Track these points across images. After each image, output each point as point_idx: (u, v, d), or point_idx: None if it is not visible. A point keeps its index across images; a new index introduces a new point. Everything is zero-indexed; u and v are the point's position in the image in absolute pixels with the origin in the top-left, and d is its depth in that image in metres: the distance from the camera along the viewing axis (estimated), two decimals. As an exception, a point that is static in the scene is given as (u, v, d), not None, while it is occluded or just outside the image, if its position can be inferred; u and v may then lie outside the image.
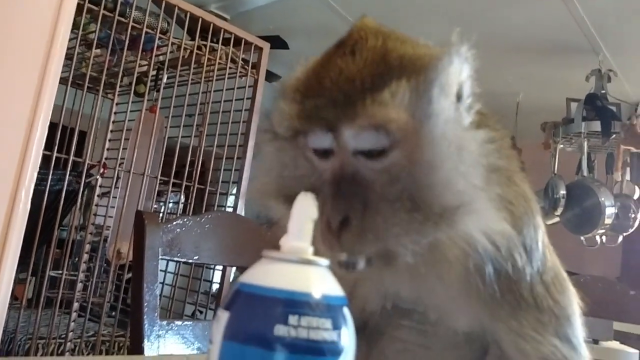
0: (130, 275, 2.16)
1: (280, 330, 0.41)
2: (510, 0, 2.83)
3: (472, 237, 0.54)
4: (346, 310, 0.45)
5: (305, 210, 0.48)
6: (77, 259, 2.38)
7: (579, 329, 0.62)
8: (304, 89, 0.56)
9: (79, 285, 2.21)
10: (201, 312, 2.61)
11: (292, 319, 0.41)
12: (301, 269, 0.46)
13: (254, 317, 0.42)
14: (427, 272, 0.57)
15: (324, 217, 0.51)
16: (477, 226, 0.54)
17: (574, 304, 0.63)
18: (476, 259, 0.56)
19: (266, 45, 2.38)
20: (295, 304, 0.42)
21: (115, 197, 2.19)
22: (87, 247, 2.25)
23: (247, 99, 2.32)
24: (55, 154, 1.78)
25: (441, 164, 0.52)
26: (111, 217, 2.24)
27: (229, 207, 2.36)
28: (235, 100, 2.28)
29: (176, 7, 1.99)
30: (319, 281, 0.45)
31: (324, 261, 0.47)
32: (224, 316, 0.44)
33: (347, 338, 0.44)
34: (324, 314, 0.43)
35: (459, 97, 0.56)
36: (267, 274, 0.45)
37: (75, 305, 2.16)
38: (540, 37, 3.09)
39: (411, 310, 0.63)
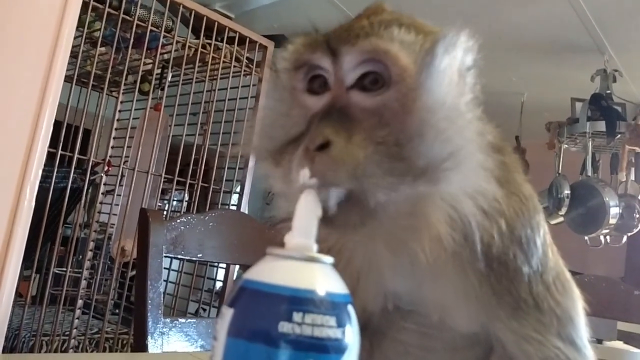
0: (134, 272, 2.17)
1: (284, 327, 0.41)
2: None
3: (456, 200, 0.52)
4: (350, 308, 0.45)
5: (309, 207, 0.48)
6: (81, 257, 2.38)
7: (582, 330, 0.61)
8: (311, 36, 0.56)
9: (83, 283, 2.21)
10: (205, 310, 2.62)
11: (297, 316, 0.41)
12: (306, 266, 0.46)
13: (259, 314, 0.42)
14: (425, 267, 0.55)
15: (304, 144, 0.50)
16: (462, 186, 0.52)
17: (578, 305, 0.61)
18: (464, 230, 0.54)
19: (270, 44, 2.38)
20: (299, 301, 0.42)
21: (120, 195, 2.19)
22: (92, 244, 2.26)
23: (252, 97, 2.32)
24: (60, 152, 1.79)
25: (434, 117, 0.51)
26: (115, 214, 2.25)
27: (232, 205, 2.37)
28: (240, 98, 2.29)
29: (181, 6, 2.00)
30: (324, 278, 0.45)
31: (329, 259, 0.47)
32: (228, 313, 0.44)
33: (351, 335, 0.43)
34: (329, 311, 0.43)
35: (460, 79, 0.56)
36: (272, 271, 0.45)
37: (80, 302, 2.17)
38: (545, 36, 3.08)
39: (412, 312, 0.62)
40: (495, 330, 0.58)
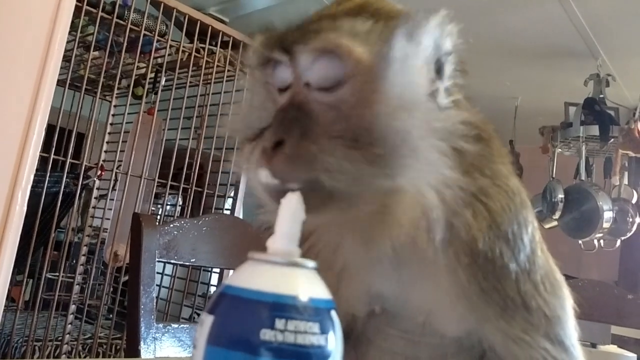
0: (127, 277, 2.16)
1: (266, 334, 0.40)
2: (508, 4, 2.84)
3: (421, 193, 0.52)
4: (334, 314, 0.45)
5: (292, 211, 0.47)
6: (74, 261, 2.37)
7: (571, 329, 0.59)
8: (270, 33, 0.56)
9: (76, 288, 2.21)
10: (198, 315, 2.60)
11: (279, 323, 0.41)
12: (288, 271, 0.45)
13: (239, 320, 0.42)
14: (409, 266, 0.56)
15: (262, 142, 0.51)
16: (424, 177, 0.52)
17: (566, 304, 0.60)
18: (434, 226, 0.53)
19: (265, 48, 2.37)
20: (281, 307, 0.42)
21: (113, 200, 2.18)
22: (84, 249, 2.25)
23: (245, 101, 2.32)
24: (52, 156, 1.78)
25: (390, 108, 0.50)
26: (108, 219, 2.24)
27: (226, 209, 2.36)
28: (234, 102, 2.28)
29: (174, 10, 1.99)
30: (306, 284, 0.45)
31: (311, 263, 0.46)
32: (207, 320, 0.43)
33: (334, 342, 0.43)
34: (312, 317, 0.42)
35: (438, 71, 0.55)
36: (253, 276, 0.45)
37: (72, 307, 2.16)
38: (539, 41, 3.09)
39: (398, 316, 0.61)
40: (484, 331, 0.57)
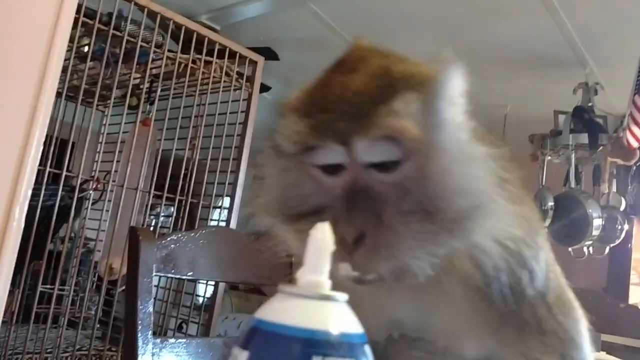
0: (120, 289, 2.14)
1: (304, 371, 0.40)
2: (498, 13, 2.86)
3: (483, 247, 0.55)
4: (367, 348, 0.45)
5: (321, 242, 0.47)
6: (71, 273, 2.34)
7: (585, 350, 0.62)
8: (309, 105, 0.56)
9: (67, 300, 2.18)
10: (186, 325, 2.58)
11: (316, 360, 0.41)
12: (320, 305, 0.45)
13: (276, 357, 0.42)
14: (431, 294, 0.57)
15: (338, 234, 0.50)
16: (489, 231, 0.54)
17: (580, 325, 0.63)
18: (485, 273, 0.56)
19: (261, 59, 2.38)
20: (317, 343, 0.42)
21: (107, 211, 2.16)
22: (76, 261, 2.23)
23: (242, 112, 2.31)
24: (49, 169, 1.76)
25: (452, 171, 0.53)
26: (103, 230, 2.22)
27: (221, 221, 2.35)
28: (230, 113, 2.28)
29: (171, 21, 1.98)
30: (340, 318, 0.45)
31: (343, 296, 0.46)
32: (242, 355, 0.43)
33: (369, 377, 0.44)
34: (347, 353, 0.42)
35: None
36: (286, 311, 0.45)
37: (63, 320, 2.13)
38: (528, 50, 3.12)
39: (418, 339, 0.62)
40: (503, 354, 0.59)
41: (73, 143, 2.06)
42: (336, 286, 0.46)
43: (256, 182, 0.64)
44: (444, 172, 0.53)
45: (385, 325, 0.63)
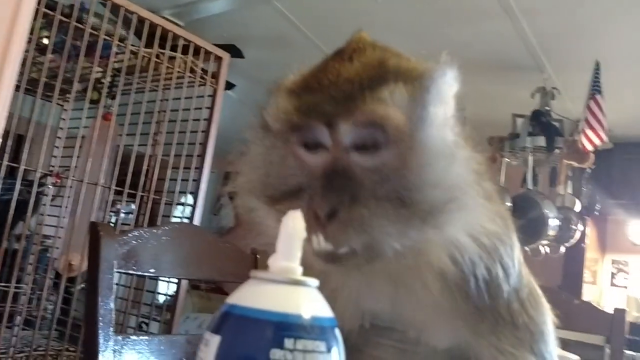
0: (79, 287, 2.09)
1: (276, 354, 0.41)
2: (458, 18, 2.92)
3: (458, 241, 0.56)
4: (337, 332, 0.46)
5: (294, 229, 0.48)
6: (22, 271, 2.27)
7: (552, 343, 0.64)
8: (302, 87, 0.58)
9: (23, 298, 2.12)
10: (147, 325, 2.54)
11: (288, 343, 0.41)
12: (292, 290, 0.46)
13: (248, 340, 0.42)
14: (406, 286, 0.58)
15: (311, 209, 0.53)
16: (464, 225, 0.56)
17: (548, 319, 0.65)
18: (462, 269, 0.57)
19: (226, 55, 2.36)
20: (289, 326, 0.42)
21: (62, 207, 2.10)
22: (33, 258, 2.17)
23: (207, 108, 2.29)
24: (6, 163, 1.71)
25: (432, 165, 0.54)
26: (61, 227, 2.16)
27: (183, 218, 2.32)
28: (194, 109, 2.25)
29: (135, 15, 1.95)
30: (311, 302, 0.45)
31: (314, 281, 0.47)
32: (214, 340, 0.43)
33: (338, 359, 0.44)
34: (318, 336, 0.43)
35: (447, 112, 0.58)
36: (258, 296, 0.45)
37: (19, 318, 2.08)
38: (488, 54, 3.19)
39: (390, 329, 0.63)
40: (475, 345, 0.61)
41: (21, 136, 1.99)
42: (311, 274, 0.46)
43: (237, 161, 0.64)
44: (424, 165, 0.54)
45: (358, 315, 0.63)
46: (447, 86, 0.58)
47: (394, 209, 0.53)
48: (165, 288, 2.50)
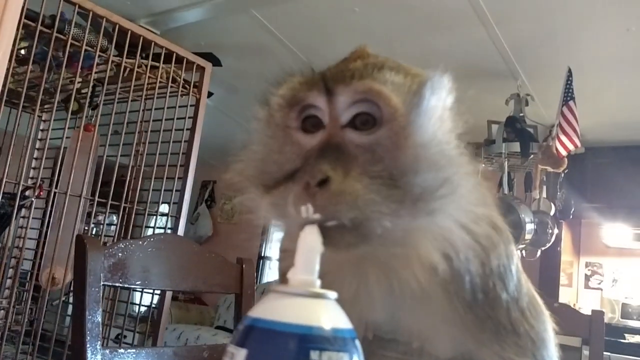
0: (62, 299, 2.06)
1: (303, 366, 0.41)
2: (434, 26, 2.97)
3: (450, 230, 0.56)
4: (357, 343, 0.46)
5: (311, 243, 0.49)
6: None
7: (553, 350, 0.66)
8: (309, 74, 0.61)
9: (1, 313, 2.07)
10: (125, 337, 2.51)
11: (314, 355, 0.42)
12: (313, 302, 0.46)
13: (276, 353, 0.43)
14: (406, 279, 0.58)
15: (303, 178, 0.53)
16: (455, 213, 0.56)
17: (548, 327, 0.67)
18: (455, 259, 0.57)
19: (208, 65, 2.35)
20: (314, 339, 0.43)
21: (29, 219, 2.06)
22: (11, 271, 2.13)
23: (189, 117, 2.28)
24: (-13, 176, 1.68)
25: (424, 150, 0.55)
26: (30, 239, 2.11)
27: (168, 228, 2.30)
28: (177, 119, 2.24)
29: (117, 25, 1.93)
30: (332, 314, 0.46)
31: (333, 294, 0.48)
32: (240, 353, 0.44)
33: (361, 370, 0.45)
34: (341, 347, 0.44)
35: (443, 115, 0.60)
36: (281, 309, 0.45)
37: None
38: (463, 62, 3.24)
39: (392, 340, 0.63)
40: (479, 354, 0.62)
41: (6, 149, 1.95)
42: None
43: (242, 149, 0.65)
44: (417, 146, 0.55)
45: (360, 327, 0.64)
46: (443, 87, 0.60)
47: (386, 188, 0.53)
48: (143, 299, 2.46)
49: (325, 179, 0.52)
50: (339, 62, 0.62)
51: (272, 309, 0.46)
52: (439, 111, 0.59)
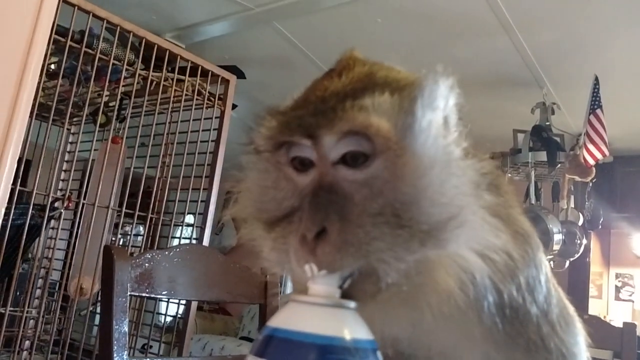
0: (90, 309, 2.09)
1: (323, 376, 0.41)
2: (458, 36, 2.95)
3: (464, 258, 0.52)
4: (379, 354, 0.46)
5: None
6: (24, 295, 2.26)
7: None
8: (289, 106, 0.56)
9: (31, 322, 2.11)
10: (151, 347, 2.53)
11: (334, 365, 0.42)
12: (333, 312, 0.46)
13: (295, 363, 0.43)
14: (421, 308, 0.55)
15: (299, 232, 0.49)
16: (468, 242, 0.52)
17: (580, 339, 0.64)
18: (475, 288, 0.55)
19: (233, 78, 2.38)
20: (334, 349, 0.43)
21: (59, 229, 2.09)
22: (40, 281, 2.17)
23: (214, 129, 2.31)
24: (19, 187, 1.72)
25: (425, 178, 0.50)
26: (59, 249, 2.15)
27: (194, 239, 2.32)
28: (202, 131, 2.27)
29: (144, 39, 1.97)
30: (352, 325, 0.46)
31: (352, 303, 0.48)
32: (259, 363, 0.44)
33: (381, 381, 0.45)
34: (362, 358, 0.44)
35: (445, 125, 0.55)
36: (300, 319, 0.46)
37: (27, 343, 2.07)
38: (488, 71, 3.22)
39: (413, 357, 0.61)
40: None
41: (28, 160, 2.00)
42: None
43: (236, 186, 0.61)
44: (416, 174, 0.51)
45: (379, 343, 0.62)
46: (439, 95, 0.54)
47: (390, 228, 0.49)
48: (169, 309, 2.49)
49: (322, 230, 0.48)
50: (322, 80, 0.57)
51: (291, 319, 0.46)
52: (437, 126, 0.53)
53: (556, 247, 3.06)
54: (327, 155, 0.52)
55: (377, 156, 0.51)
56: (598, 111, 2.90)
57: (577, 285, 3.84)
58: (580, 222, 3.25)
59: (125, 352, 1.15)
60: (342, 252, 0.48)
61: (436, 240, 0.50)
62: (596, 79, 2.90)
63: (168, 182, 2.21)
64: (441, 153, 0.52)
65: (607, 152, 2.93)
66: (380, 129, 0.50)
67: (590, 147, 2.89)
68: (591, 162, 2.92)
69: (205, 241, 2.25)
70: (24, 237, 1.70)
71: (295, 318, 0.46)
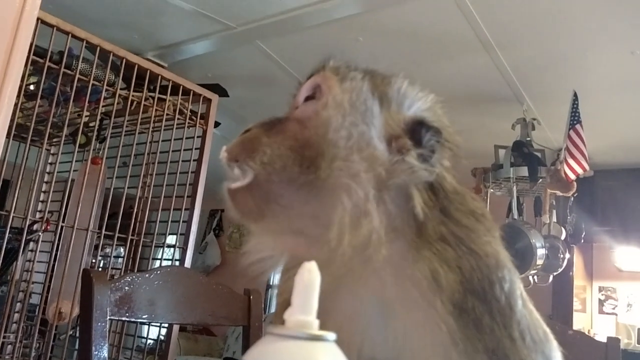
0: (69, 333, 2.05)
1: (300, 414, 0.40)
2: (439, 54, 2.99)
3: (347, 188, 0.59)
4: (358, 387, 0.45)
5: (309, 281, 0.47)
6: (2, 319, 2.21)
7: None
8: None
9: (9, 348, 2.06)
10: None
11: (310, 402, 0.41)
12: (311, 346, 0.45)
13: (272, 400, 0.42)
14: (407, 326, 0.58)
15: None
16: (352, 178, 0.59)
17: (554, 355, 0.64)
18: (459, 312, 0.57)
19: (215, 97, 2.37)
20: (311, 385, 0.42)
21: (37, 252, 2.06)
22: (19, 306, 2.12)
23: (196, 149, 2.29)
24: (-5, 212, 1.69)
25: (338, 138, 0.59)
26: (38, 272, 2.11)
27: (175, 260, 2.29)
28: (184, 150, 2.25)
29: (124, 59, 1.96)
30: (331, 358, 0.45)
31: (332, 335, 0.47)
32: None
33: (360, 415, 0.44)
34: (340, 392, 0.43)
35: (417, 141, 0.62)
36: (276, 354, 0.44)
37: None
38: (469, 88, 3.26)
39: None
40: None
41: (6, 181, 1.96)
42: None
43: None
44: (331, 129, 0.59)
45: (355, 353, 0.61)
46: (404, 97, 0.66)
47: (292, 152, 0.58)
48: (151, 331, 2.45)
49: (247, 130, 0.60)
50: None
51: (266, 354, 0.45)
52: (375, 112, 0.62)
53: (539, 262, 3.07)
54: (297, 102, 0.65)
55: (316, 99, 0.62)
56: (577, 126, 2.94)
57: (561, 299, 3.86)
58: (563, 237, 3.27)
59: (105, 377, 1.13)
60: (245, 145, 0.59)
61: (317, 169, 0.57)
62: (575, 94, 2.95)
63: (149, 202, 2.19)
64: (367, 130, 0.60)
65: (587, 167, 2.96)
66: (330, 81, 0.63)
67: (571, 162, 2.92)
68: (572, 176, 2.95)
69: (188, 262, 2.22)
70: (0, 261, 1.67)
71: (271, 353, 0.45)
